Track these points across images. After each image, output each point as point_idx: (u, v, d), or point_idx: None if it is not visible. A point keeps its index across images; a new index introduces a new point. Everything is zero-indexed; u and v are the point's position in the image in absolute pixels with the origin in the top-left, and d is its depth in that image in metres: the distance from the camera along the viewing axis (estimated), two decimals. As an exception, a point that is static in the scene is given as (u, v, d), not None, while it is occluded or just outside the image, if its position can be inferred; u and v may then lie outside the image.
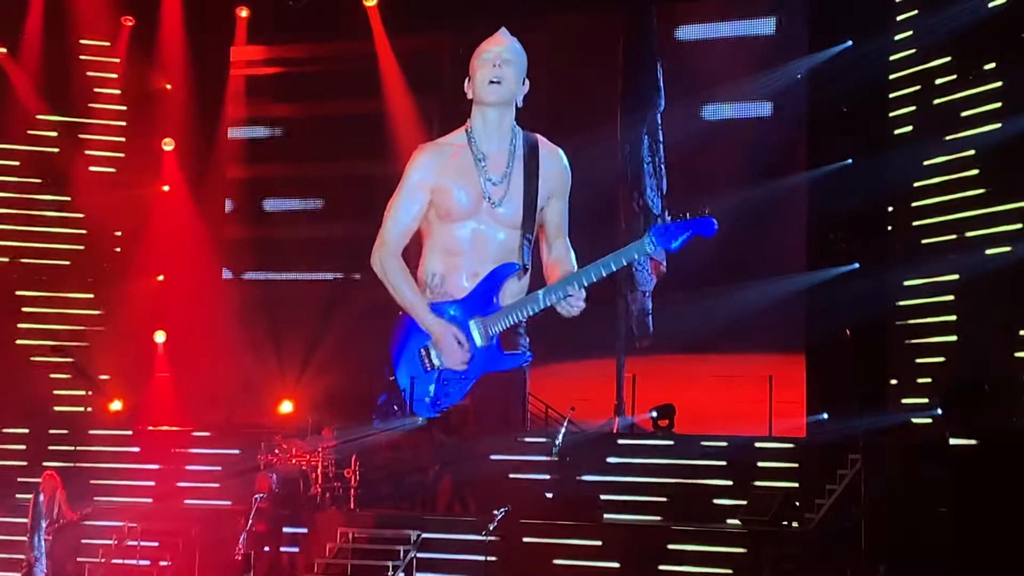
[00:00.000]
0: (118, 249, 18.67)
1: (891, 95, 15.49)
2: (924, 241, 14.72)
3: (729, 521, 14.23)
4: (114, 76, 18.87)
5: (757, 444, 14.97)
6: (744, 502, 14.15)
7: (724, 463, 14.83)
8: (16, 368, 17.65)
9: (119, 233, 18.69)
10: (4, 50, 18.31)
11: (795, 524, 13.62)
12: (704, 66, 17.40)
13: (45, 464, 15.71)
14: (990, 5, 14.16)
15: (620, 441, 15.79)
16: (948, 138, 14.43)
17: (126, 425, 17.73)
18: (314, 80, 19.47)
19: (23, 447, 17.16)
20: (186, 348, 18.34)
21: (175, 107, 18.98)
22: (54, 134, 18.57)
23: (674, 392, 16.24)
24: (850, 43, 15.82)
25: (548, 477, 14.96)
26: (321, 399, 17.52)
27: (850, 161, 15.66)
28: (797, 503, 13.83)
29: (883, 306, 15.18)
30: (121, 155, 18.92)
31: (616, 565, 13.43)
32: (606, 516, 14.45)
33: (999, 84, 14.01)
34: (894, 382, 15.01)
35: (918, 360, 14.76)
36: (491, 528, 11.53)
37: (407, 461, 15.92)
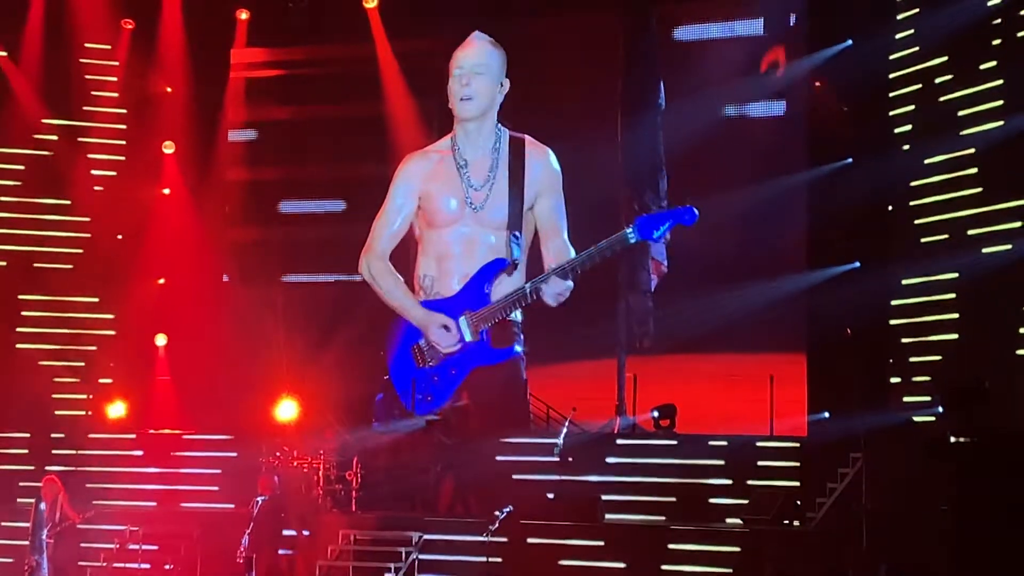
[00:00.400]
0: (119, 252, 18.64)
1: (891, 94, 15.48)
2: (924, 240, 14.71)
3: (731, 520, 14.24)
4: (114, 79, 18.87)
5: (758, 443, 14.99)
6: (746, 501, 14.17)
7: (725, 462, 14.84)
8: (17, 372, 17.63)
9: (120, 236, 18.66)
10: (4, 54, 18.30)
11: (797, 523, 13.64)
12: (704, 66, 17.42)
13: (47, 468, 15.72)
14: (989, 3, 14.15)
15: (621, 441, 15.81)
16: (948, 137, 14.41)
17: (128, 428, 17.74)
18: (314, 82, 19.47)
19: (26, 451, 17.17)
20: (187, 351, 18.33)
21: (175, 110, 18.97)
22: (54, 138, 18.56)
23: (675, 392, 16.25)
24: (850, 42, 15.82)
25: (549, 478, 14.96)
26: (323, 402, 17.52)
27: (850, 160, 15.66)
28: (799, 502, 13.84)
29: (884, 305, 15.18)
30: (122, 158, 18.92)
31: (621, 565, 13.45)
32: (608, 516, 14.46)
33: (999, 82, 14.00)
34: (895, 380, 14.99)
35: (919, 358, 14.75)
36: (493, 529, 11.53)
37: (408, 463, 15.93)
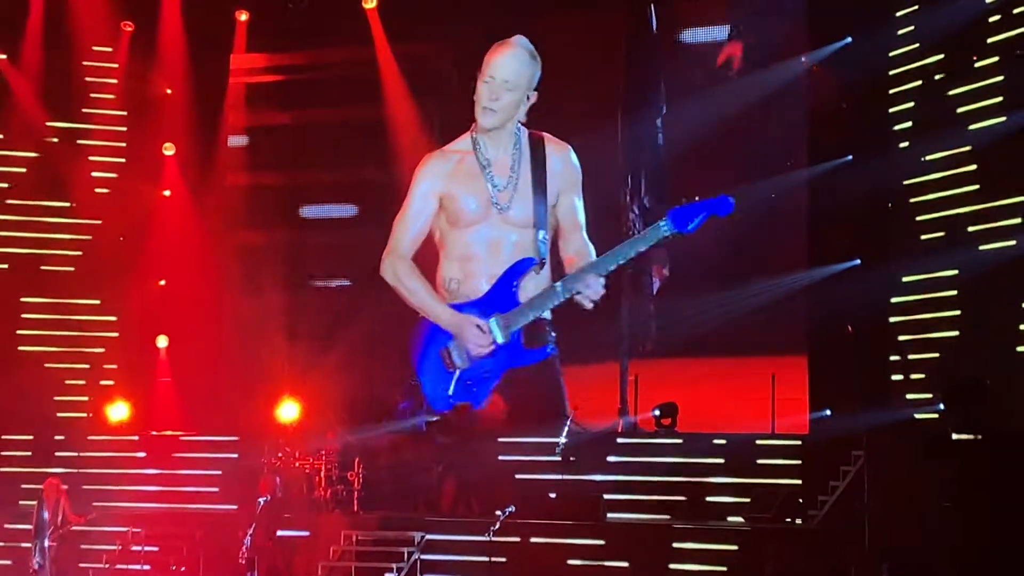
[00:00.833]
0: (120, 254, 18.64)
1: (891, 91, 15.49)
2: (924, 237, 14.70)
3: (733, 519, 14.25)
4: (114, 81, 18.88)
5: (760, 442, 15.00)
6: (748, 499, 14.17)
7: (727, 461, 14.85)
8: (19, 374, 17.63)
9: (121, 238, 18.66)
10: (5, 56, 18.31)
11: (799, 521, 13.65)
12: (705, 66, 17.42)
13: (49, 470, 15.74)
14: (987, 0, 14.16)
15: (623, 440, 15.81)
16: (947, 133, 14.41)
17: (129, 430, 17.75)
18: (314, 86, 19.47)
19: (28, 453, 17.19)
20: (188, 352, 18.34)
21: (176, 112, 18.97)
22: (55, 140, 18.56)
23: (677, 392, 16.23)
24: (849, 39, 15.82)
25: (551, 477, 14.98)
26: (325, 402, 17.54)
27: (850, 158, 15.65)
28: (801, 500, 13.85)
29: (885, 302, 15.18)
30: (122, 160, 18.93)
31: (624, 564, 13.47)
32: (610, 515, 14.47)
33: (999, 79, 14.00)
34: (897, 377, 14.99)
35: (920, 356, 14.75)
36: (495, 529, 11.55)
37: (410, 463, 15.94)
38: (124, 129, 18.97)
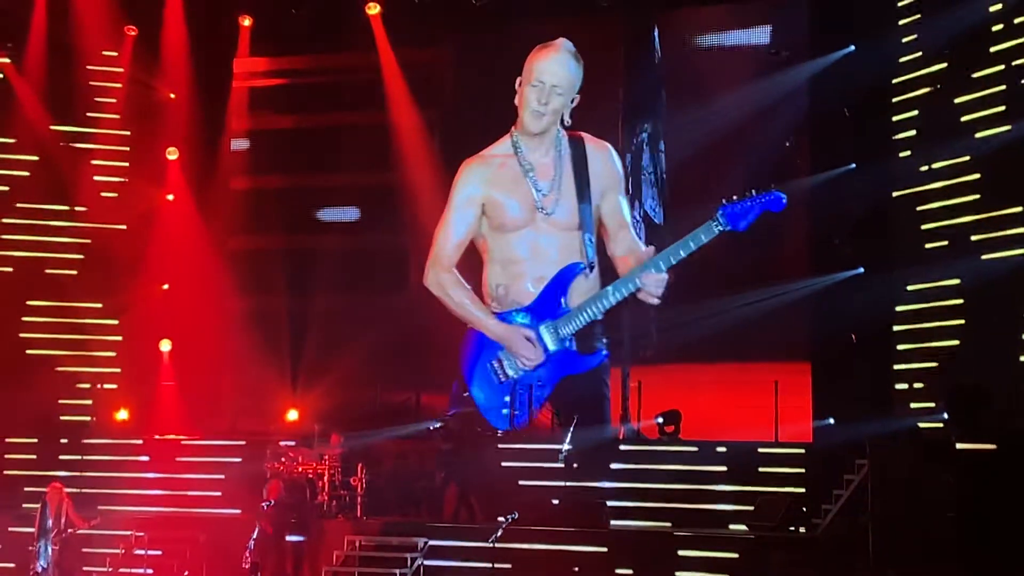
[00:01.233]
0: (123, 258, 18.64)
1: (894, 99, 15.51)
2: (928, 245, 14.72)
3: (736, 527, 14.25)
4: (118, 86, 18.88)
5: (764, 450, 15.00)
6: (751, 507, 14.18)
7: (730, 469, 14.86)
8: (23, 378, 17.63)
9: (124, 242, 18.66)
10: (8, 61, 18.33)
11: (802, 529, 13.65)
12: (706, 74, 17.42)
13: (52, 474, 15.74)
14: (991, 9, 14.18)
15: (626, 447, 15.81)
16: (950, 142, 14.43)
17: (133, 434, 17.76)
18: (316, 90, 19.49)
19: (33, 457, 17.20)
20: (192, 356, 18.35)
21: (179, 116, 18.99)
22: (59, 143, 18.56)
23: (680, 399, 16.26)
24: (852, 48, 15.84)
25: (555, 484, 14.98)
26: (327, 408, 17.56)
27: (853, 166, 15.67)
28: (804, 508, 13.85)
29: (888, 311, 15.19)
30: (125, 164, 18.93)
31: (628, 571, 13.47)
32: (613, 522, 14.47)
33: (1001, 88, 14.03)
34: (902, 386, 14.99)
35: (923, 364, 14.76)
36: (498, 535, 11.55)
37: (414, 469, 15.95)
38: (127, 133, 18.97)
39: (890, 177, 15.31)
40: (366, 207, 19.32)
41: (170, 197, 19.09)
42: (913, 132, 15.25)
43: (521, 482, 15.14)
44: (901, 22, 15.48)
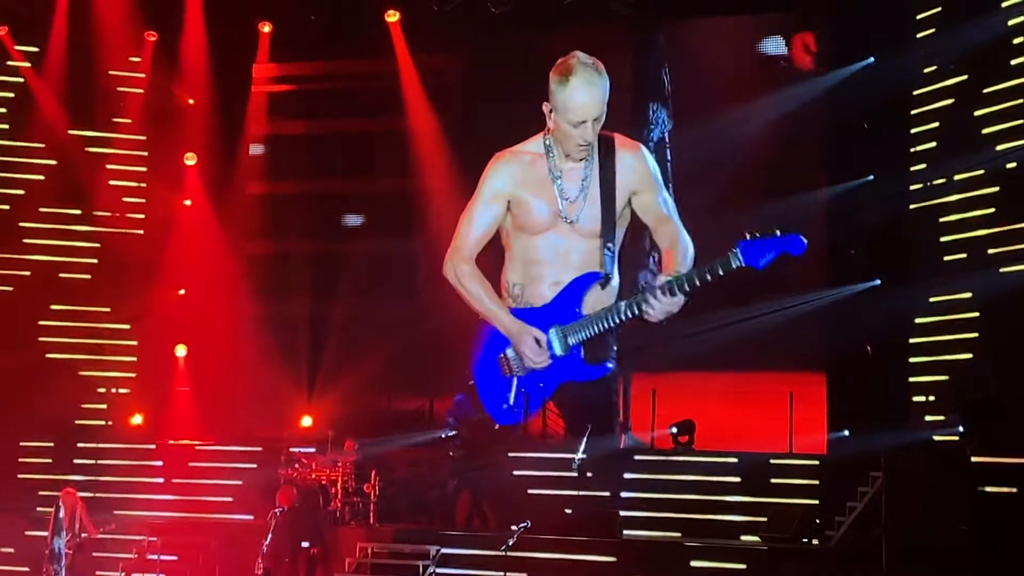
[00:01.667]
0: (140, 263, 18.68)
1: (912, 112, 15.47)
2: (946, 258, 14.66)
3: (749, 538, 14.22)
4: (137, 91, 18.94)
5: (778, 461, 14.96)
6: (764, 519, 14.14)
7: (744, 479, 14.82)
8: (40, 382, 17.68)
9: (141, 247, 18.71)
10: (29, 65, 18.41)
11: (815, 542, 13.61)
12: (717, 83, 17.40)
13: (67, 478, 15.79)
14: (1010, 23, 14.13)
15: (640, 457, 15.79)
16: (969, 155, 14.38)
17: (147, 439, 17.80)
18: (334, 96, 19.54)
19: (49, 460, 17.25)
20: (207, 362, 18.38)
21: (198, 122, 19.03)
22: (77, 148, 18.63)
23: (694, 409, 16.22)
24: (871, 60, 15.81)
25: (567, 493, 14.96)
26: (341, 415, 17.57)
27: (871, 177, 15.63)
28: (818, 520, 13.81)
29: (904, 323, 15.13)
30: (143, 169, 18.97)
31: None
32: (626, 532, 14.45)
33: (1020, 101, 13.97)
34: (920, 399, 14.92)
35: (939, 377, 14.70)
36: (510, 544, 11.53)
37: (426, 476, 15.96)
38: (145, 138, 19.02)
39: (907, 189, 15.27)
40: (383, 213, 19.33)
41: (188, 202, 19.13)
42: (931, 144, 15.20)
43: (534, 491, 15.13)
44: (919, 35, 15.43)
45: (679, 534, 14.54)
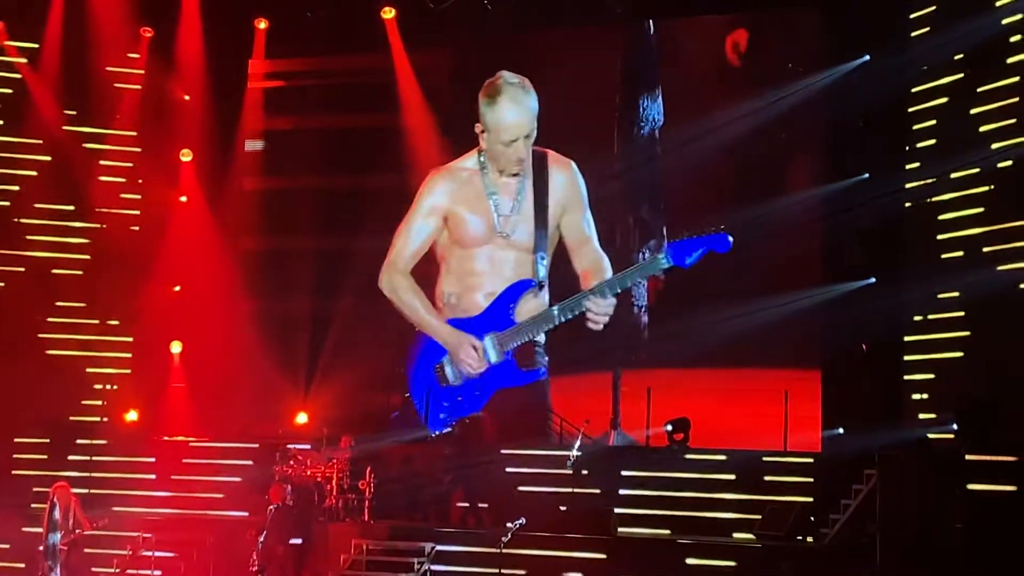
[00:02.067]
0: (135, 259, 18.67)
1: (908, 110, 15.47)
2: (942, 256, 14.67)
3: (744, 536, 14.22)
4: (132, 87, 18.92)
5: (772, 459, 14.97)
6: (759, 517, 14.14)
7: (738, 477, 14.83)
8: (34, 378, 17.66)
9: (136, 243, 18.69)
10: (24, 60, 18.39)
11: (810, 539, 13.62)
12: (709, 81, 17.41)
13: (61, 474, 15.76)
14: (1004, 22, 14.14)
15: (634, 454, 15.79)
16: (965, 153, 14.39)
17: (142, 435, 17.79)
18: (330, 93, 19.52)
19: (43, 457, 17.24)
20: (202, 359, 18.37)
21: (193, 118, 19.02)
22: (73, 144, 18.61)
23: (689, 406, 16.22)
24: (867, 57, 15.81)
25: (562, 490, 14.96)
26: (337, 411, 17.56)
27: (867, 175, 15.63)
28: (812, 518, 13.82)
29: (899, 321, 15.15)
30: (139, 165, 18.95)
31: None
32: (620, 529, 14.45)
33: (1015, 100, 13.98)
34: (917, 397, 14.94)
35: (934, 375, 14.72)
36: (505, 541, 11.53)
37: (421, 473, 15.95)
38: (141, 134, 18.99)
39: (902, 188, 15.28)
40: (379, 210, 19.28)
41: (183, 199, 19.12)
42: (927, 143, 15.21)
43: (528, 488, 15.13)
44: (914, 33, 15.43)
45: (674, 531, 14.54)
